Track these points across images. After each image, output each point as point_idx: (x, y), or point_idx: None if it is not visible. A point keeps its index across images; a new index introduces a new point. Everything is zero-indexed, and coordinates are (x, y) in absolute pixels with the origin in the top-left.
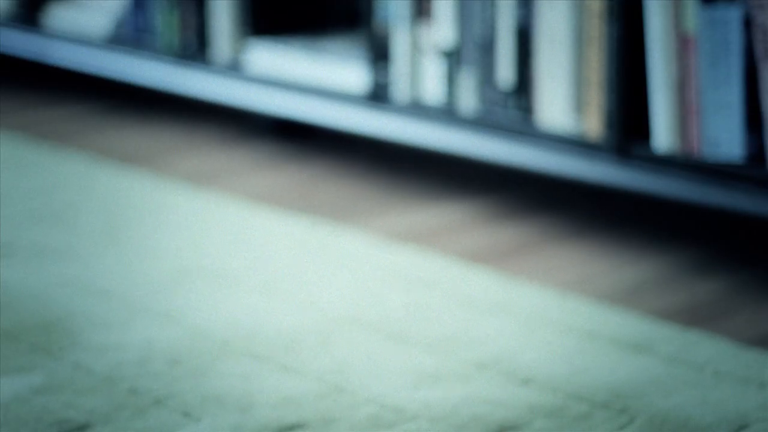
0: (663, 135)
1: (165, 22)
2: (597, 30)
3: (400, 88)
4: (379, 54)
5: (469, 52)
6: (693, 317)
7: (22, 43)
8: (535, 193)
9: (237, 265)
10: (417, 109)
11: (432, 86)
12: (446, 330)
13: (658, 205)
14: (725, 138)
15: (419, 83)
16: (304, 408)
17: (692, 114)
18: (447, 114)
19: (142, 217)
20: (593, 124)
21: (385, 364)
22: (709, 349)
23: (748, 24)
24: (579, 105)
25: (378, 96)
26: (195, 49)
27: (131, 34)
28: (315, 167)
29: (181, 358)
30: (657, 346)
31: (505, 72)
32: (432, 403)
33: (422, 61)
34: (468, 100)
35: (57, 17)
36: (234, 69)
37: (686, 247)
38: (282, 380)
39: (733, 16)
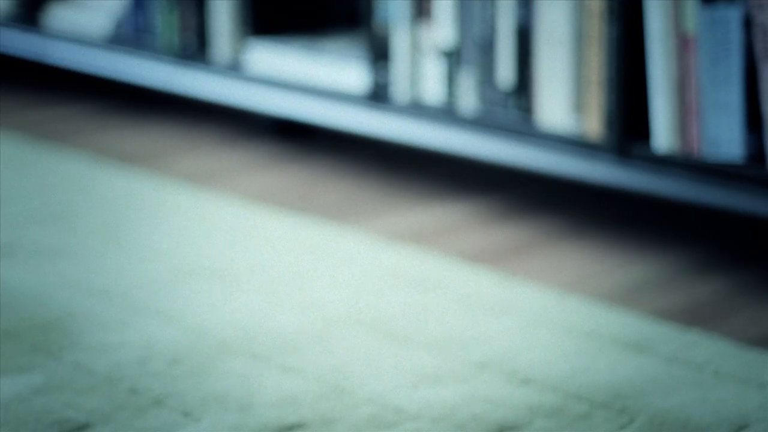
0: (663, 135)
1: (165, 22)
2: (597, 30)
3: (400, 88)
4: (379, 54)
5: (469, 52)
6: (693, 317)
7: (22, 43)
8: (535, 193)
9: (237, 265)
10: (417, 109)
11: (432, 86)
12: (446, 330)
13: (658, 205)
14: (725, 138)
15: (419, 83)
16: (304, 408)
17: (692, 114)
18: (447, 114)
19: (142, 217)
20: (593, 124)
21: (385, 364)
22: (709, 349)
23: (748, 24)
24: (579, 105)
25: (378, 96)
26: (195, 49)
27: (131, 34)
28: (315, 167)
29: (181, 358)
30: (657, 346)
31: (505, 72)
32: (432, 403)
33: (422, 61)
34: (468, 100)
35: (57, 17)
36: (234, 69)
37: (686, 247)
38: (282, 380)
39: (733, 16)
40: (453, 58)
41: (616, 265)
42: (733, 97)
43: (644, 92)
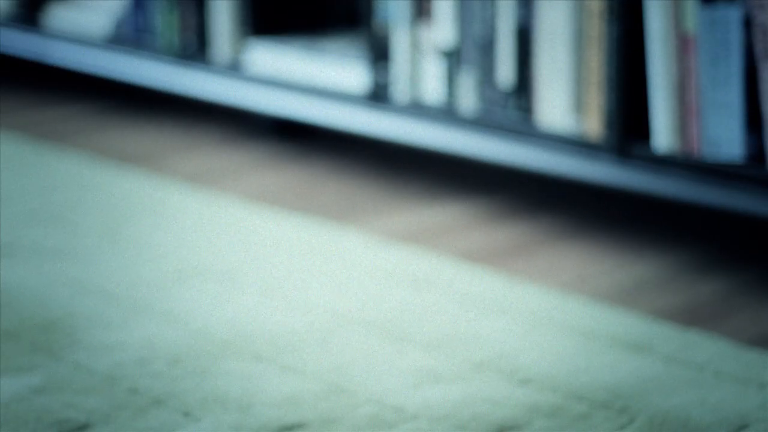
0: (663, 135)
1: (165, 22)
2: (597, 30)
3: (400, 88)
4: (379, 54)
5: (469, 52)
6: (693, 317)
7: (22, 43)
8: (535, 193)
9: (237, 265)
10: (417, 109)
11: (432, 86)
12: (446, 330)
13: (658, 205)
14: (725, 138)
15: (419, 83)
16: (304, 408)
17: (692, 114)
18: (447, 114)
19: (142, 217)
20: (593, 124)
21: (385, 364)
22: (709, 349)
23: (748, 24)
24: (579, 105)
25: (378, 96)
26: (195, 49)
27: (131, 34)
28: (315, 167)
29: (182, 358)
30: (657, 346)
31: (505, 72)
32: (432, 403)
33: (422, 61)
34: (468, 100)
35: (57, 17)
36: (234, 69)
37: (686, 247)
38: (282, 380)
39: (733, 16)
40: (453, 58)
41: (616, 265)
42: (733, 97)
43: (644, 92)
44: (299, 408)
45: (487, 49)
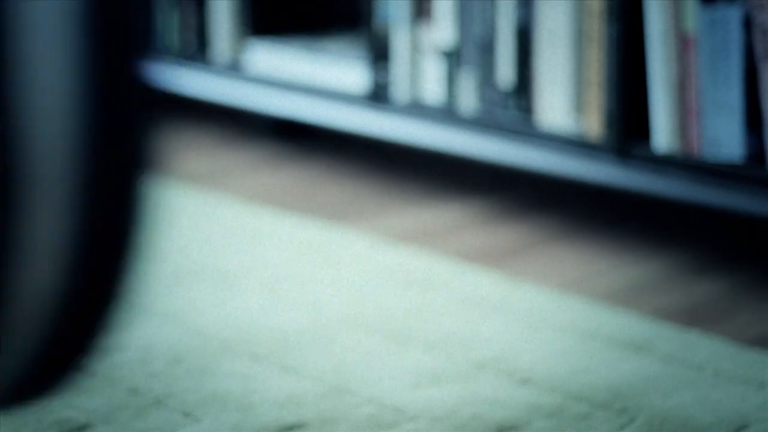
0: (663, 135)
1: (165, 22)
2: (597, 30)
3: (400, 88)
4: (379, 54)
5: (469, 52)
6: (693, 317)
7: None
8: (535, 193)
9: (237, 265)
10: (417, 109)
11: (432, 86)
12: (446, 330)
13: (658, 205)
14: (725, 138)
15: (419, 83)
16: (304, 408)
17: (692, 114)
18: (447, 114)
19: (142, 216)
20: (593, 124)
21: (385, 364)
22: (708, 349)
23: (748, 24)
24: (579, 105)
25: (378, 96)
26: (195, 49)
27: None
28: (315, 167)
29: (182, 358)
30: (657, 346)
31: (505, 72)
32: (432, 403)
33: (422, 61)
34: (468, 100)
35: None
36: (234, 69)
37: (686, 247)
38: (282, 380)
39: (733, 16)
40: (453, 58)
41: (616, 265)
42: (733, 97)
43: (644, 92)
44: (299, 408)
45: (487, 49)
